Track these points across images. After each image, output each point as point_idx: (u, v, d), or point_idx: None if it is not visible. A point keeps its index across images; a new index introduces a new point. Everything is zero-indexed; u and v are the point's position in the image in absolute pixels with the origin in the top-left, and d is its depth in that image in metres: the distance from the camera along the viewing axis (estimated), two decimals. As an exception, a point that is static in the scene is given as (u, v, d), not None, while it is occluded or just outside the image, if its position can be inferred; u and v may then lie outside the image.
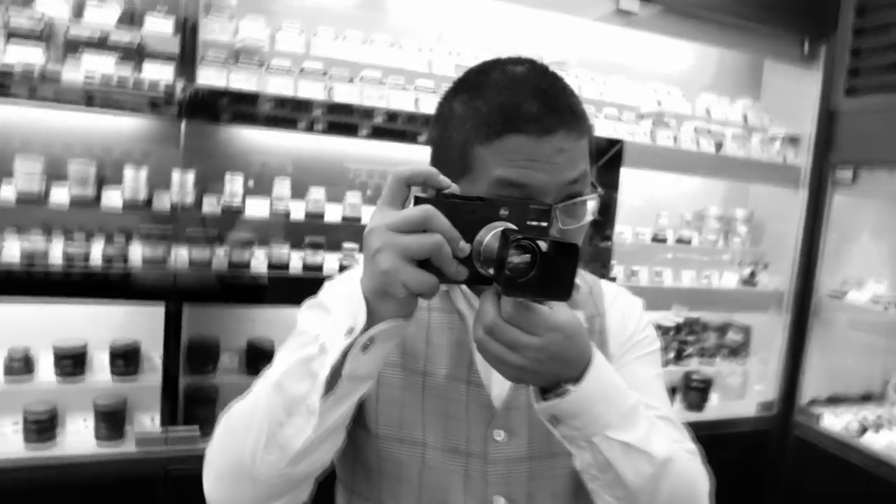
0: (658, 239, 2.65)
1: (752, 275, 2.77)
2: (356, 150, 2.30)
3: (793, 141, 2.75)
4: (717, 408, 2.68)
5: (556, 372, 0.67)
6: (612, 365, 0.79)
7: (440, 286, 0.64)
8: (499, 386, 0.86)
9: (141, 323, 2.06)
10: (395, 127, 2.08)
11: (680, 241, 2.71)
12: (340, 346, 0.65)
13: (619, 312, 0.96)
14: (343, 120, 2.03)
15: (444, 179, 0.65)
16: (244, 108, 1.92)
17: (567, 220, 0.78)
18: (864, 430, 2.50)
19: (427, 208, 0.62)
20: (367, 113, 2.05)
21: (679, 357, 2.73)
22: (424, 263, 0.62)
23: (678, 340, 2.74)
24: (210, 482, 0.76)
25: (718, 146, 2.62)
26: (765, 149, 2.72)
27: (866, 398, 2.85)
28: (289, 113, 1.97)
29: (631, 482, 0.71)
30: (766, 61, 2.92)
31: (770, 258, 2.88)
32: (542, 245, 0.59)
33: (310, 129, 2.01)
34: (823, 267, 2.74)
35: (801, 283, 2.76)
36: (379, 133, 2.07)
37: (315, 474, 0.75)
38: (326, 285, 0.92)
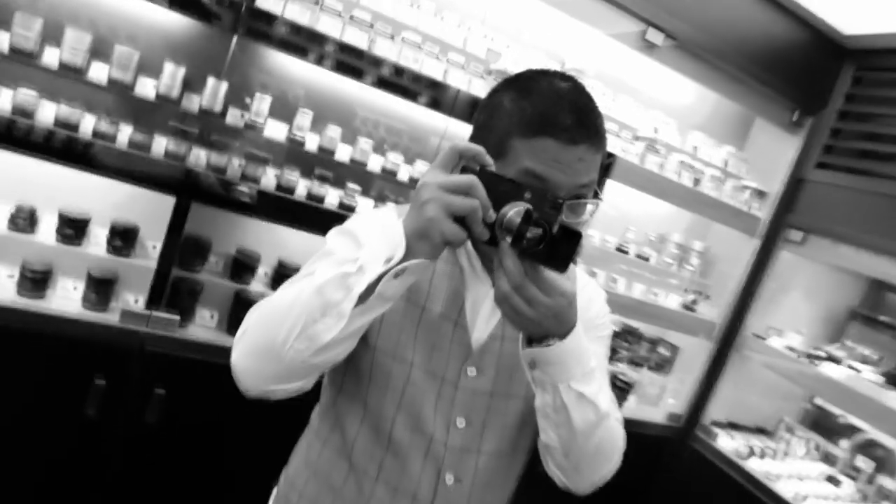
0: (621, 250, 2.90)
1: (694, 302, 3.06)
2: (377, 101, 2.45)
3: (760, 194, 3.02)
4: (632, 409, 2.97)
5: (550, 327, 0.86)
6: None
7: (466, 240, 0.83)
8: (479, 332, 1.05)
9: (143, 207, 2.18)
10: (423, 91, 2.25)
11: (639, 256, 2.96)
12: (378, 271, 0.82)
13: (586, 297, 1.13)
14: (377, 73, 2.18)
15: (488, 159, 0.84)
16: (292, 38, 2.05)
17: (570, 216, 0.95)
18: (750, 454, 2.85)
19: (472, 178, 0.81)
20: (399, 71, 2.21)
21: (611, 358, 3.01)
22: (458, 220, 0.80)
23: (612, 348, 3.03)
24: (240, 355, 0.93)
25: (696, 182, 2.87)
26: (734, 195, 2.98)
27: (759, 430, 3.20)
28: (330, 53, 2.10)
29: (577, 425, 0.93)
30: (757, 118, 3.16)
31: (712, 291, 3.17)
32: (554, 227, 0.79)
33: (345, 72, 2.15)
34: (755, 310, 3.05)
35: (733, 320, 3.06)
36: (406, 93, 2.23)
37: (326, 368, 0.93)
38: (354, 218, 1.08)
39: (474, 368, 1.05)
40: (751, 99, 2.86)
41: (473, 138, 1.02)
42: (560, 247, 0.80)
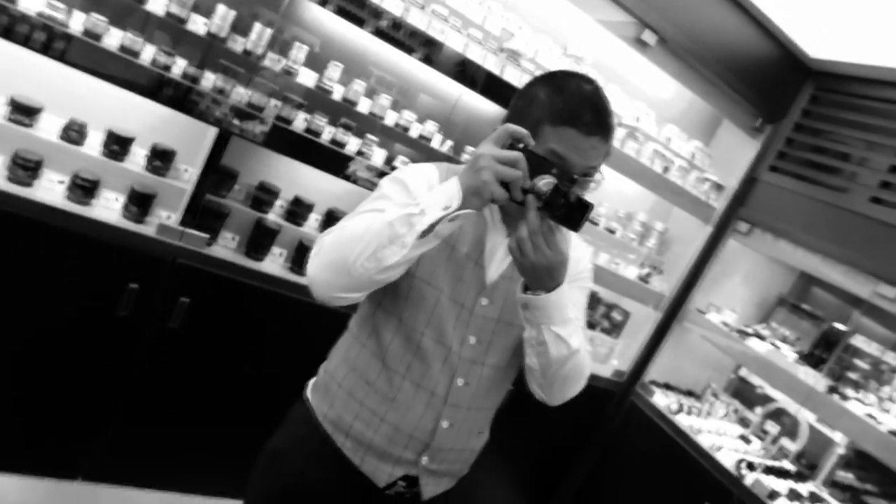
0: (592, 222, 3.26)
1: (648, 275, 3.46)
2: (401, 63, 2.69)
3: (719, 187, 3.41)
4: (584, 363, 3.37)
5: (543, 278, 1.16)
6: None
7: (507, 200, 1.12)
8: (492, 272, 1.35)
9: (178, 135, 2.40)
10: (443, 61, 2.51)
11: (608, 229, 3.33)
12: (437, 215, 1.11)
13: (578, 254, 1.44)
14: (406, 39, 2.43)
15: (531, 140, 1.13)
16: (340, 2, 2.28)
17: (577, 188, 1.25)
18: (679, 410, 3.31)
19: (519, 154, 1.10)
20: (427, 41, 2.46)
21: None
22: (503, 184, 1.10)
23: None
24: (315, 268, 1.21)
25: (665, 170, 3.23)
26: (696, 185, 3.36)
27: (689, 393, 3.67)
28: (368, 18, 2.34)
29: (553, 356, 1.26)
30: (725, 119, 3.52)
31: (666, 267, 3.56)
32: (572, 197, 1.12)
33: (377, 34, 2.39)
34: (700, 288, 3.47)
35: (680, 294, 3.47)
36: (429, 61, 2.49)
37: (381, 285, 1.21)
38: (406, 169, 1.36)
39: (486, 300, 1.35)
40: (721, 102, 3.21)
41: (511, 118, 1.30)
42: (576, 212, 1.11)
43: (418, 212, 1.11)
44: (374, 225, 1.14)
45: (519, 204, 1.13)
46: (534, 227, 1.11)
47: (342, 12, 2.31)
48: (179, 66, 2.20)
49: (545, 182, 1.12)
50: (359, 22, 2.35)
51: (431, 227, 1.11)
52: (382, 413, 1.36)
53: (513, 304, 1.36)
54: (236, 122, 2.28)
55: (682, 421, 3.25)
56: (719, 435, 3.28)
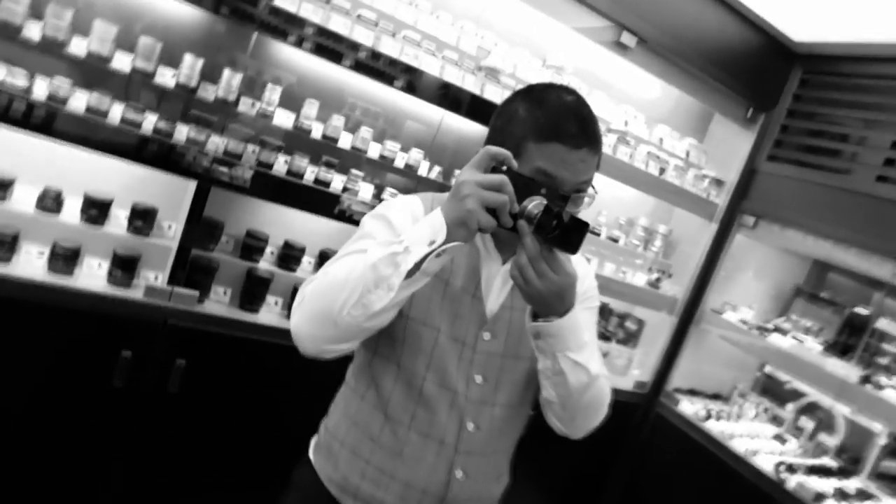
0: (594, 232, 3.17)
1: (658, 280, 3.36)
2: (378, 93, 2.63)
3: (718, 183, 3.33)
4: (603, 379, 3.25)
5: (553, 304, 1.07)
6: None
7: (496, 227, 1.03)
8: (492, 304, 1.27)
9: (159, 191, 2.33)
10: (421, 86, 2.45)
11: (610, 238, 3.24)
12: (423, 252, 1.02)
13: (581, 273, 1.37)
14: (379, 68, 2.37)
15: (514, 162, 1.05)
16: (305, 34, 2.22)
17: (570, 206, 1.16)
18: (707, 417, 3.17)
19: (504, 177, 1.01)
20: (405, 69, 2.39)
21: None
22: (490, 211, 1.01)
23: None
24: (299, 320, 1.12)
25: (661, 171, 3.15)
26: (695, 183, 3.28)
27: (716, 396, 3.54)
28: (339, 48, 2.28)
29: (572, 385, 1.16)
30: (716, 113, 3.46)
31: (675, 270, 3.47)
32: (566, 217, 1.02)
33: (350, 66, 2.33)
34: (713, 287, 3.36)
35: (693, 296, 3.37)
36: (406, 87, 2.43)
37: (372, 332, 1.12)
38: (388, 204, 1.29)
39: (489, 333, 1.26)
40: (710, 96, 3.14)
41: (492, 139, 1.22)
42: (571, 233, 1.02)
43: (402, 250, 1.03)
44: (356, 269, 1.06)
45: (510, 230, 1.05)
46: (532, 252, 1.03)
47: (313, 49, 2.25)
48: (150, 121, 2.14)
49: (535, 204, 1.04)
50: (332, 57, 2.29)
51: (418, 265, 1.03)
52: (391, 470, 1.26)
53: (518, 335, 1.28)
54: (214, 172, 2.20)
55: (713, 427, 3.11)
56: (753, 438, 3.14)
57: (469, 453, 1.28)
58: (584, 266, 1.40)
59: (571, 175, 1.13)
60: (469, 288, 1.25)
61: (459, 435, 1.26)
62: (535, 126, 1.14)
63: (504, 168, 1.04)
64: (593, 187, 1.20)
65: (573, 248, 1.03)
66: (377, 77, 2.38)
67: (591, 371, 1.17)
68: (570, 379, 1.15)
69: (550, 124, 1.13)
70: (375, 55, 2.34)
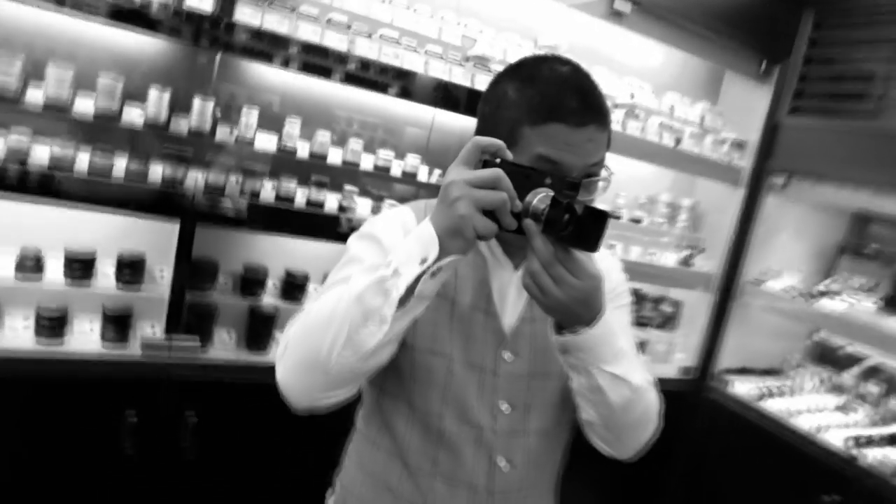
0: (614, 216, 2.96)
1: (690, 257, 3.14)
2: (363, 100, 2.46)
3: (739, 145, 3.10)
4: (645, 369, 3.04)
5: (579, 313, 0.88)
6: None
7: (497, 232, 0.85)
8: (509, 317, 1.09)
9: (146, 237, 2.18)
10: (407, 86, 2.27)
11: (632, 220, 3.04)
12: (415, 273, 0.84)
13: (604, 268, 1.19)
14: (359, 73, 2.19)
15: (508, 152, 0.87)
16: (274, 49, 2.05)
17: (583, 193, 0.98)
18: (762, 396, 2.94)
19: (499, 171, 0.83)
20: (382, 68, 2.22)
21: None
22: (487, 213, 0.83)
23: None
24: (285, 371, 0.93)
25: (677, 141, 2.94)
26: (715, 149, 3.06)
27: (768, 372, 3.30)
28: (313, 59, 2.12)
29: (613, 402, 0.97)
30: (726, 71, 3.24)
31: (706, 244, 3.24)
32: (579, 208, 0.82)
33: (329, 76, 2.16)
34: (749, 257, 3.14)
35: (729, 269, 3.15)
36: (390, 89, 2.25)
37: (372, 372, 0.94)
38: (375, 220, 1.11)
39: (510, 353, 1.08)
40: (718, 54, 2.93)
41: (481, 129, 1.04)
42: (588, 227, 0.82)
43: (390, 273, 0.85)
44: (341, 303, 0.88)
45: (516, 233, 0.87)
46: (545, 256, 0.85)
47: (284, 62, 2.09)
48: (121, 165, 1.99)
49: (540, 197, 0.86)
50: (307, 68, 2.13)
51: (412, 289, 0.85)
52: None
53: (544, 349, 1.09)
54: (197, 208, 2.05)
55: (771, 406, 2.89)
56: (816, 412, 2.90)
57: (505, 495, 1.09)
58: (608, 259, 1.22)
59: (579, 158, 0.95)
60: (480, 303, 1.08)
61: (491, 476, 1.08)
62: (528, 107, 0.97)
63: (498, 160, 0.86)
64: (607, 168, 1.02)
65: (593, 244, 0.83)
66: (357, 83, 2.21)
67: (633, 383, 0.98)
68: (611, 396, 0.97)
69: (547, 102, 0.95)
70: (352, 59, 2.17)
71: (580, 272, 0.85)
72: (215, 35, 1.97)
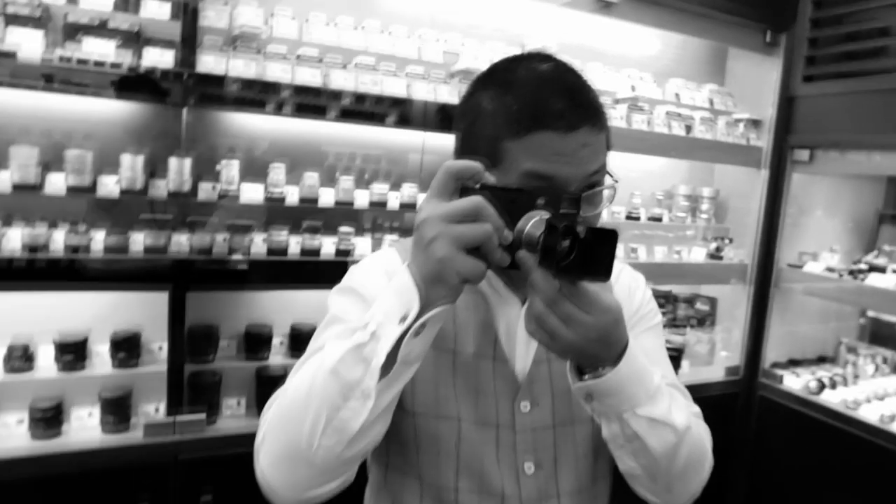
0: (632, 217, 2.78)
1: (718, 249, 2.94)
2: (348, 133, 2.33)
3: (755, 124, 2.91)
4: (688, 374, 2.84)
5: (598, 353, 0.74)
6: None
7: (487, 272, 0.70)
8: (521, 361, 0.93)
9: (139, 310, 2.05)
10: (390, 112, 2.13)
11: (652, 218, 2.85)
12: (396, 334, 0.70)
13: (624, 287, 1.03)
14: (339, 106, 2.06)
15: (489, 175, 0.72)
16: (244, 94, 1.93)
17: (587, 208, 0.84)
18: (822, 387, 2.71)
19: (479, 199, 0.69)
20: (362, 98, 2.09)
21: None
22: (473, 251, 0.68)
23: (650, 313, 2.89)
24: (265, 466, 0.79)
25: (688, 129, 2.76)
26: (729, 131, 2.87)
27: (821, 360, 3.08)
28: (287, 98, 1.99)
29: (655, 450, 0.80)
30: (729, 48, 3.06)
31: (734, 233, 3.05)
32: (582, 230, 0.65)
33: (307, 115, 2.03)
34: (783, 240, 2.93)
35: (763, 256, 2.94)
36: (374, 118, 2.12)
37: (366, 454, 0.80)
38: (353, 270, 0.97)
39: (527, 402, 0.93)
40: (719, 31, 2.75)
41: (460, 150, 0.90)
42: (594, 252, 0.67)
43: (368, 338, 0.71)
44: (317, 379, 0.73)
45: (510, 268, 0.73)
46: (548, 293, 0.70)
47: (258, 107, 1.96)
48: (99, 239, 1.87)
49: (534, 223, 0.71)
50: (301, 110, 1.99)
51: (396, 352, 0.71)
52: None
53: (567, 391, 0.93)
54: (185, 274, 1.92)
55: (832, 399, 2.66)
56: (882, 399, 2.67)
57: None
58: (626, 274, 1.07)
59: (575, 168, 0.81)
60: (486, 350, 0.93)
61: None
62: (507, 117, 0.82)
63: (478, 185, 0.71)
64: (610, 174, 0.88)
65: (602, 271, 0.67)
66: (337, 117, 2.07)
67: (676, 425, 0.81)
68: (651, 443, 0.80)
69: (527, 108, 0.81)
70: (327, 93, 2.03)
71: (592, 306, 0.71)
72: (182, 89, 1.85)
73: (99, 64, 1.72)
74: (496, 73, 0.88)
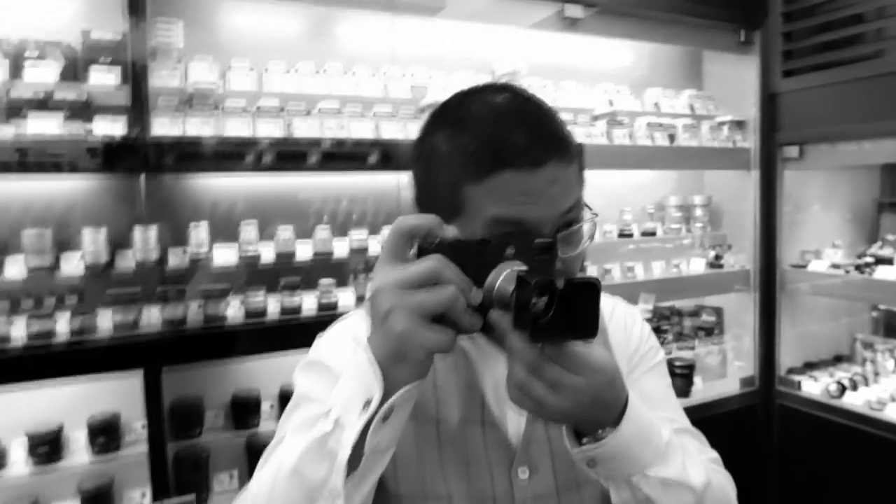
0: (624, 234, 2.68)
1: (718, 257, 2.84)
2: (319, 182, 2.24)
3: (739, 125, 2.83)
4: (702, 390, 2.72)
5: (595, 416, 0.65)
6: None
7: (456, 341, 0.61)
8: (514, 422, 0.83)
9: (116, 392, 1.94)
10: (361, 155, 2.04)
11: (645, 233, 2.75)
12: (359, 424, 0.61)
13: (620, 326, 0.94)
14: (307, 155, 1.97)
15: (447, 227, 0.63)
16: (203, 154, 1.83)
17: (565, 249, 0.75)
18: (843, 390, 2.59)
19: (437, 259, 0.60)
20: (330, 144, 2.00)
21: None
22: (439, 318, 0.60)
23: (655, 329, 2.78)
24: None
25: (671, 138, 2.68)
26: (714, 135, 2.79)
27: (838, 359, 2.96)
28: (251, 153, 1.89)
29: None
30: (704, 52, 3.01)
31: (732, 239, 2.95)
32: (560, 281, 0.56)
33: (273, 168, 1.93)
34: (783, 240, 2.83)
35: (765, 259, 2.84)
36: (345, 163, 2.03)
37: None
38: (319, 341, 0.88)
39: (525, 469, 0.83)
40: (691, 35, 2.70)
41: (417, 200, 0.81)
42: (576, 305, 0.57)
43: (332, 426, 0.62)
44: (278, 483, 0.64)
45: (483, 332, 0.65)
46: (528, 359, 0.61)
47: (221, 165, 1.87)
48: (64, 323, 1.76)
49: (504, 278, 0.61)
50: (245, 165, 1.90)
51: (362, 441, 0.61)
52: None
53: (567, 451, 0.81)
54: (158, 351, 1.81)
55: (855, 401, 2.54)
56: (906, 397, 2.55)
57: None
58: (620, 311, 0.96)
59: (545, 209, 0.72)
60: (473, 415, 0.83)
61: None
62: (465, 158, 0.72)
63: (435, 241, 0.62)
64: (588, 207, 0.78)
65: (587, 327, 0.58)
66: (309, 167, 1.98)
67: (693, 484, 0.71)
68: None
69: (487, 147, 0.71)
70: (290, 143, 1.94)
71: (582, 367, 0.61)
72: (137, 156, 1.76)
73: (43, 142, 1.62)
74: (448, 110, 0.79)
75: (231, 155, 1.86)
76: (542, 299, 0.56)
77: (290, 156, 1.94)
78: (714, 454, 0.88)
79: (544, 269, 0.64)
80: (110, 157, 1.70)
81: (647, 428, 0.68)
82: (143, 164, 1.74)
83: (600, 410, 0.64)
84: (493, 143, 0.71)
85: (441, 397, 0.82)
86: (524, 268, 0.62)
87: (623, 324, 0.94)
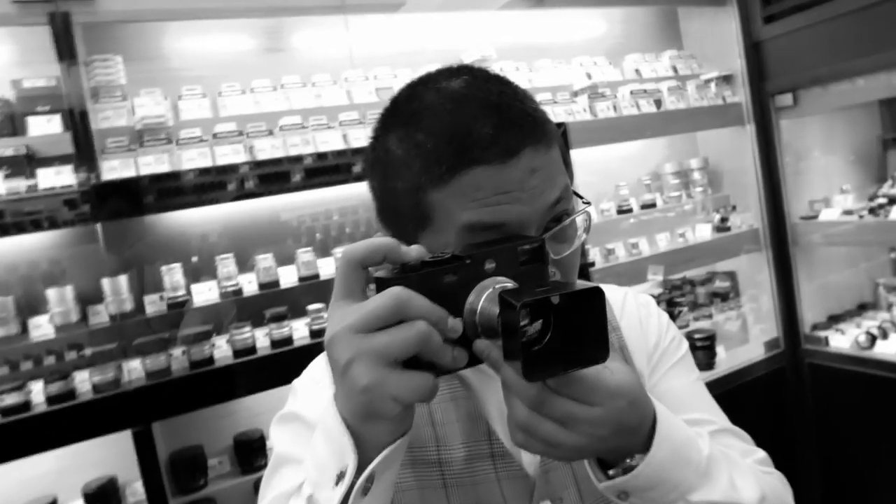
0: (623, 210, 2.56)
1: (723, 220, 2.72)
2: (293, 200, 2.12)
3: (727, 80, 2.70)
4: (726, 360, 2.59)
5: (619, 445, 0.55)
6: (645, 383, 0.67)
7: (439, 383, 0.50)
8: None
9: (110, 451, 1.83)
10: (332, 168, 1.92)
11: (644, 206, 2.63)
12: (335, 499, 0.50)
13: (634, 320, 0.82)
14: (274, 176, 1.85)
15: (408, 249, 0.51)
16: (163, 191, 1.72)
17: (558, 248, 0.64)
18: (873, 340, 2.46)
19: (397, 292, 0.48)
20: (296, 160, 1.88)
21: (673, 318, 2.64)
22: (413, 360, 0.48)
23: (667, 301, 2.66)
24: None
25: (658, 103, 2.55)
26: (702, 94, 2.66)
27: (862, 308, 2.83)
28: (213, 182, 1.78)
29: None
30: (679, 9, 2.87)
31: (735, 199, 2.83)
32: (554, 293, 0.45)
33: (240, 195, 1.82)
34: (788, 193, 2.70)
35: (772, 215, 2.71)
36: (314, 178, 1.91)
37: None
38: (296, 384, 0.78)
39: (548, 501, 0.72)
40: (662, -6, 2.57)
41: (380, 213, 0.69)
42: (579, 322, 0.46)
43: (304, 501, 0.53)
44: None
45: (472, 366, 0.52)
46: (528, 395, 0.51)
47: (180, 201, 1.75)
48: (38, 390, 1.65)
49: (487, 296, 0.50)
50: (212, 197, 1.78)
51: None
52: None
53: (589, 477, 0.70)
54: (144, 405, 1.70)
55: (887, 350, 2.41)
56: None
57: None
58: (632, 302, 0.84)
59: (527, 205, 0.61)
60: (480, 448, 0.72)
61: None
62: (425, 160, 0.61)
63: (396, 268, 0.51)
64: (578, 195, 0.67)
65: (593, 350, 0.47)
66: (279, 191, 1.86)
67: (743, 500, 0.60)
68: None
69: (448, 142, 0.60)
70: (254, 166, 1.82)
71: (594, 393, 0.51)
72: (90, 204, 1.64)
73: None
74: (398, 106, 0.66)
75: (192, 188, 1.73)
76: (536, 324, 0.45)
77: (261, 178, 1.82)
78: (761, 454, 0.77)
79: (535, 281, 0.52)
80: (58, 210, 1.59)
81: (683, 445, 0.57)
82: (97, 213, 1.62)
83: (624, 438, 0.54)
84: (454, 136, 0.60)
85: (441, 434, 0.71)
86: (509, 284, 0.51)
87: (637, 317, 0.82)
